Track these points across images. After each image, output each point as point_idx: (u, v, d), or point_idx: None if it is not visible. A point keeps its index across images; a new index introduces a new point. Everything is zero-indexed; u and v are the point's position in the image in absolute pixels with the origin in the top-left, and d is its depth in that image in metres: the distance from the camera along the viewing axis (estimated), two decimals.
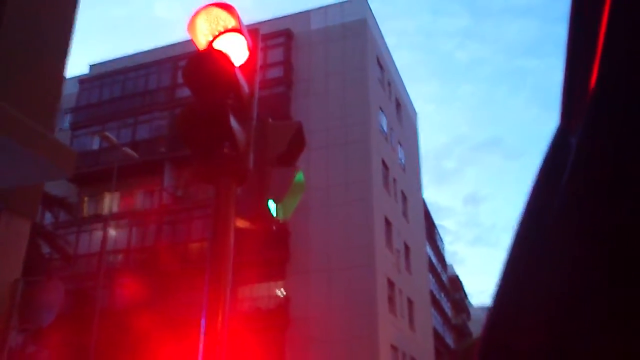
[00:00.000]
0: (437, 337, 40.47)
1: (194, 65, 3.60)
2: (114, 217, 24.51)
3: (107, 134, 21.64)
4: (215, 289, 3.26)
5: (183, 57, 24.83)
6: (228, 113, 3.41)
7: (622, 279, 0.51)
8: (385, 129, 29.77)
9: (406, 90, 36.61)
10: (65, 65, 8.06)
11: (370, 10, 29.82)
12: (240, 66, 3.72)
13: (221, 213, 3.48)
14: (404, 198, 31.61)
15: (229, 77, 3.54)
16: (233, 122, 3.42)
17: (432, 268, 43.51)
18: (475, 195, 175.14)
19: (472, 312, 66.59)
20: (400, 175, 31.49)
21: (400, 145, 32.80)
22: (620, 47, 0.61)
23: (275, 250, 24.16)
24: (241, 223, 3.60)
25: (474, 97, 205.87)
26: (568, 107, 0.68)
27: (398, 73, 34.80)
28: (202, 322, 3.17)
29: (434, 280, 44.52)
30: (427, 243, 40.71)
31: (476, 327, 62.01)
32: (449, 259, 60.85)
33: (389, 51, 32.89)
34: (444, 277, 53.11)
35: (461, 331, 57.97)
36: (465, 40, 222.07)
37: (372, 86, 27.99)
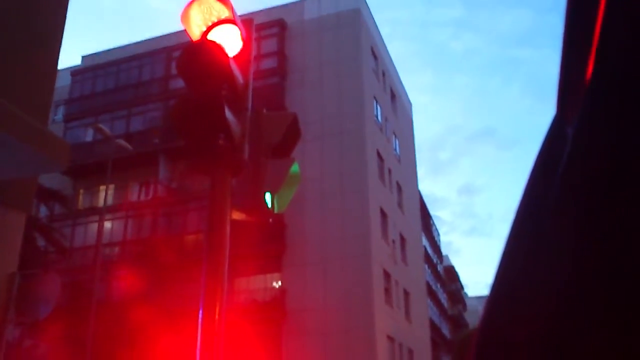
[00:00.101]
0: (434, 327, 40.70)
1: (188, 56, 3.58)
2: (110, 210, 24.46)
3: (100, 126, 21.56)
4: (212, 281, 3.26)
5: (177, 48, 24.73)
6: (223, 104, 3.40)
7: (618, 271, 0.51)
8: (380, 119, 29.75)
9: (401, 81, 36.56)
10: (58, 57, 8.00)
11: (364, 0, 29.73)
12: (234, 57, 3.71)
13: (217, 205, 3.47)
14: (399, 189, 31.66)
15: (223, 68, 3.52)
16: (228, 113, 3.41)
17: (427, 259, 43.68)
18: (470, 185, 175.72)
19: (468, 302, 66.97)
20: (396, 166, 31.51)
21: (395, 136, 32.80)
22: (617, 37, 0.61)
23: (271, 242, 24.19)
24: (237, 215, 3.60)
25: (468, 88, 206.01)
26: (564, 98, 0.68)
27: (392, 63, 34.73)
28: (200, 314, 3.18)
29: (429, 271, 44.71)
30: (423, 234, 40.84)
31: (472, 318, 62.40)
32: (444, 249, 61.07)
33: (383, 41, 32.81)
34: (440, 268, 53.35)
35: (457, 322, 58.30)
36: (459, 31, 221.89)
37: (366, 76, 27.94)
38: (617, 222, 0.53)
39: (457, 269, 69.36)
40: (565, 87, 0.68)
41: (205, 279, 3.27)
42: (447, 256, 60.68)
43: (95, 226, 24.26)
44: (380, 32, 32.53)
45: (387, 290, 25.99)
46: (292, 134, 3.99)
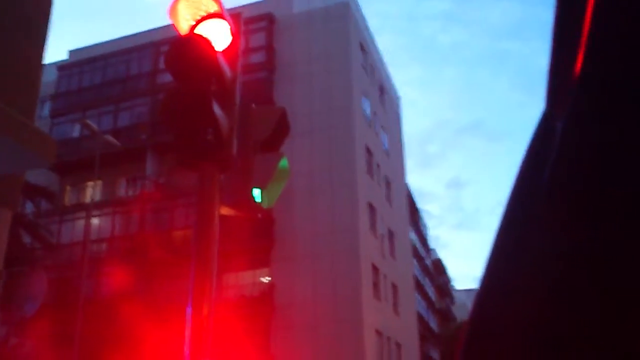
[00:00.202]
0: (422, 321, 40.91)
1: (176, 50, 3.56)
2: (97, 206, 24.30)
3: (87, 121, 21.39)
4: (200, 277, 3.25)
5: (164, 42, 24.55)
6: (211, 99, 3.38)
7: (609, 265, 0.51)
8: (368, 114, 29.78)
9: (389, 75, 36.59)
10: (44, 52, 7.92)
11: None
12: (222, 51, 3.69)
13: (206, 200, 3.46)
14: (388, 183, 31.74)
15: (211, 62, 3.51)
16: (216, 108, 3.39)
17: (415, 253, 43.84)
18: (458, 179, 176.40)
19: (455, 296, 67.34)
20: (384, 161, 31.58)
21: (384, 130, 32.85)
22: (606, 32, 0.61)
23: (259, 237, 24.17)
24: (226, 210, 3.59)
25: (456, 81, 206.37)
26: (553, 92, 0.68)
27: (381, 57, 34.75)
28: (188, 309, 3.17)
29: (417, 264, 44.87)
30: (411, 228, 41.00)
31: (460, 311, 62.81)
32: (432, 243, 61.37)
33: (371, 35, 32.81)
34: (428, 262, 53.56)
35: (445, 315, 58.63)
36: (448, 24, 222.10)
37: (355, 71, 27.94)
38: (606, 215, 0.53)
39: (445, 262, 69.76)
40: (554, 81, 0.68)
41: (194, 274, 3.26)
42: (435, 250, 60.97)
43: (82, 222, 24.08)
44: (369, 25, 32.54)
45: (375, 285, 26.08)
46: (281, 128, 3.99)
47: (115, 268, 24.40)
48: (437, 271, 58.74)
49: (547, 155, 0.61)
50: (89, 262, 19.16)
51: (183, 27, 3.75)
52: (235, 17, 3.92)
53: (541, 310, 0.53)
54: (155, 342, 19.99)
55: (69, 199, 29.01)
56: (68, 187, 29.22)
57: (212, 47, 3.50)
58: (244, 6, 26.00)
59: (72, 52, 32.62)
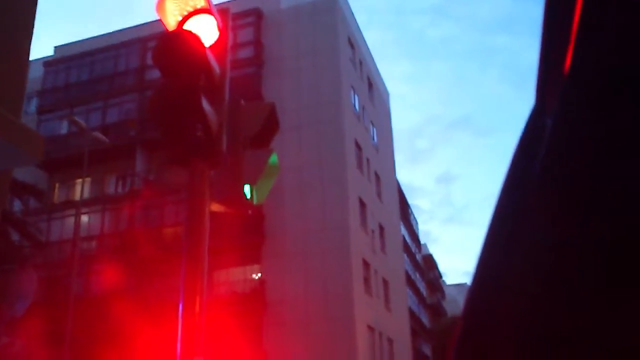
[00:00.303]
0: (413, 316, 41.09)
1: (164, 46, 3.53)
2: (86, 203, 24.14)
3: (75, 118, 21.23)
4: (191, 274, 3.24)
5: (152, 38, 24.39)
6: (200, 95, 3.36)
7: (600, 258, 0.51)
8: (357, 108, 29.78)
9: (378, 70, 36.60)
10: (30, 47, 7.84)
11: None
12: (210, 47, 3.67)
13: (196, 197, 3.45)
14: (378, 178, 31.79)
15: (200, 58, 3.49)
16: (205, 104, 3.37)
17: (406, 248, 43.99)
18: (448, 174, 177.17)
19: (446, 291, 67.65)
20: (374, 156, 31.61)
21: (373, 125, 32.88)
22: (596, 26, 0.61)
23: (250, 233, 24.14)
24: (216, 207, 3.58)
25: (445, 75, 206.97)
26: (543, 87, 0.68)
27: (369, 52, 34.74)
28: (180, 306, 3.16)
29: (408, 260, 45.03)
30: (401, 223, 41.11)
31: (451, 306, 63.09)
32: (423, 238, 61.53)
33: (360, 30, 32.78)
34: (418, 257, 53.76)
35: (436, 310, 58.91)
36: (437, 18, 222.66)
37: (343, 65, 27.91)
38: (597, 209, 0.54)
39: (436, 257, 70.08)
40: (544, 77, 0.68)
41: (185, 271, 3.25)
42: (425, 245, 61.19)
43: (71, 220, 23.93)
44: (357, 19, 32.49)
45: (366, 280, 26.15)
46: (270, 124, 3.97)
47: (105, 266, 24.29)
48: (427, 266, 58.99)
49: (537, 149, 0.61)
50: (79, 260, 19.05)
51: (171, 23, 3.73)
52: (222, 12, 3.90)
53: (534, 303, 0.54)
54: (146, 339, 19.93)
55: (57, 196, 28.81)
56: (57, 185, 29.01)
57: (201, 43, 3.48)
58: (231, 1, 25.77)
59: (57, 48, 32.32)
